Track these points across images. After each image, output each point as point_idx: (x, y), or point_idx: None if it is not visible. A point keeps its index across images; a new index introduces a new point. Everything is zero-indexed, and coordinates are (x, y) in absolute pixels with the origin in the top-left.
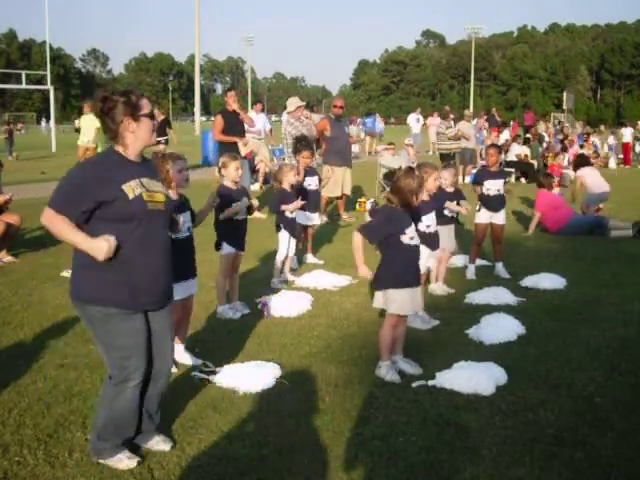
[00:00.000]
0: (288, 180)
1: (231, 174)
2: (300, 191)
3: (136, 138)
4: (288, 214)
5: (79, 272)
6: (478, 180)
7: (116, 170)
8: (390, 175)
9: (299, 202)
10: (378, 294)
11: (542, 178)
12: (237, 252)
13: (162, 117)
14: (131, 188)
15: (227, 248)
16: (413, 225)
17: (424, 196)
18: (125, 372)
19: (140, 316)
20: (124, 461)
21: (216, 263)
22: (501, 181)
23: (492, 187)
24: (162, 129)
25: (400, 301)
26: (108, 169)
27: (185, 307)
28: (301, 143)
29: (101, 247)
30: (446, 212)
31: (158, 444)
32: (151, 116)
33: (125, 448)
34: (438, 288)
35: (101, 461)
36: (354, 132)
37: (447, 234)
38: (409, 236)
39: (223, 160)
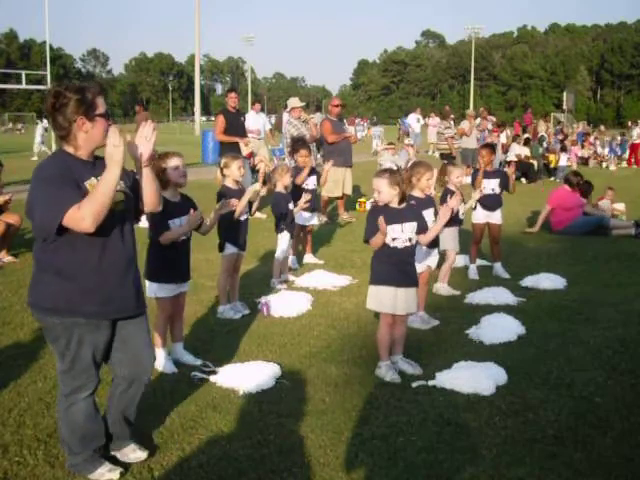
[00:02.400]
0: (283, 182)
1: (234, 173)
2: (298, 191)
3: (88, 138)
4: (279, 215)
5: (42, 279)
6: (474, 181)
7: (73, 169)
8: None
9: (306, 198)
10: (370, 289)
11: (571, 175)
12: (239, 252)
13: None
14: (92, 185)
15: (230, 248)
16: (398, 226)
17: (421, 194)
18: (77, 383)
19: (107, 325)
20: (105, 475)
21: (215, 263)
22: (496, 181)
23: (487, 187)
24: None
25: (376, 298)
26: (65, 167)
27: (175, 304)
28: (297, 143)
29: (111, 156)
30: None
31: (134, 452)
32: (106, 116)
33: (104, 461)
34: (442, 288)
35: (82, 476)
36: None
37: (452, 235)
38: (391, 237)
39: (225, 160)
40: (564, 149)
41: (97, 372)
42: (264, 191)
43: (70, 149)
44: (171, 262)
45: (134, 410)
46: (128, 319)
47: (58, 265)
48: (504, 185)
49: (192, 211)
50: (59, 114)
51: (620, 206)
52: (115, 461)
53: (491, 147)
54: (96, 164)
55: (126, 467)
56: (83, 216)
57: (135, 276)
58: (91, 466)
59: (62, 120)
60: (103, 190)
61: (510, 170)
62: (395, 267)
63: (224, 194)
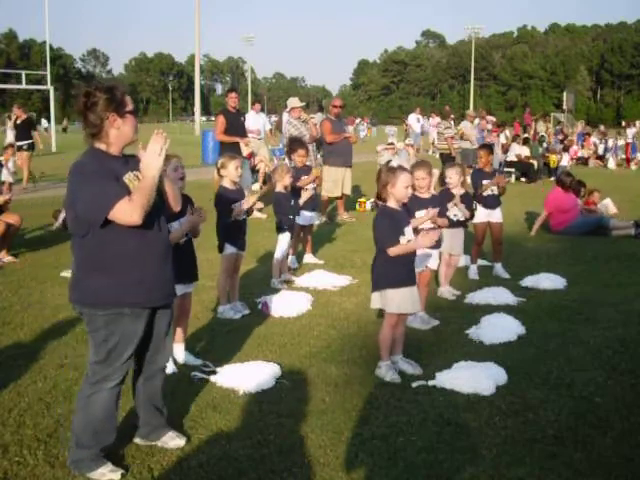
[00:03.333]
0: (284, 182)
1: (231, 173)
2: (298, 192)
3: (120, 135)
4: (290, 216)
5: (84, 276)
6: (475, 182)
7: (109, 165)
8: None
9: (311, 177)
10: (375, 295)
11: (563, 176)
12: (238, 252)
13: (24, 117)
14: (130, 180)
15: (229, 249)
16: (410, 226)
17: (425, 194)
18: (108, 370)
19: (147, 313)
20: (106, 475)
21: (215, 263)
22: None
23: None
24: (25, 132)
25: (399, 300)
26: (103, 163)
27: (181, 306)
28: (294, 142)
29: (148, 165)
30: (450, 215)
31: (173, 440)
32: (135, 113)
33: (107, 461)
34: (446, 291)
35: (81, 475)
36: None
37: (457, 238)
38: (407, 238)
39: (222, 160)
40: (566, 149)
41: (128, 366)
42: (261, 190)
43: (102, 146)
44: (176, 263)
45: (161, 398)
46: (164, 309)
47: (100, 260)
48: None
49: (189, 208)
50: (91, 112)
51: (608, 203)
52: (116, 462)
53: (489, 147)
54: (128, 160)
55: (127, 469)
56: (134, 206)
57: (170, 264)
58: (93, 464)
59: (94, 118)
60: (147, 184)
61: (502, 179)
62: (407, 268)
63: (222, 195)
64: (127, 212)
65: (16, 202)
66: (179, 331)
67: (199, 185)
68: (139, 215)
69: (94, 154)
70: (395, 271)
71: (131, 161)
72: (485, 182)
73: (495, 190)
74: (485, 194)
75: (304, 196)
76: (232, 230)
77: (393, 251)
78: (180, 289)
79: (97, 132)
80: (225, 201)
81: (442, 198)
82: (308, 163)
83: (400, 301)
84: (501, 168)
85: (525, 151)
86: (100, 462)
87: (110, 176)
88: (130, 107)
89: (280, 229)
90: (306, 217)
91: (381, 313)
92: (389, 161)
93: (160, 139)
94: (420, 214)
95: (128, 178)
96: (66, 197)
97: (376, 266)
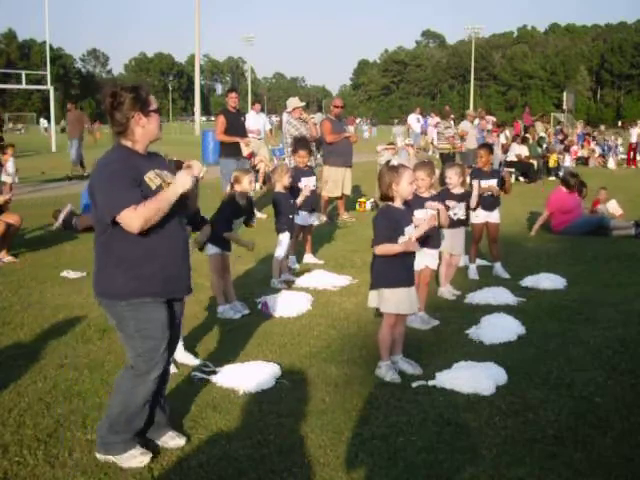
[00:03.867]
0: (283, 182)
1: (245, 188)
2: (297, 190)
3: (145, 132)
4: (289, 216)
5: (111, 270)
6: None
7: (134, 162)
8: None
9: (309, 185)
10: (372, 293)
11: (568, 176)
12: (222, 252)
13: None
14: (150, 179)
15: (212, 249)
16: (411, 226)
17: (425, 193)
18: (151, 363)
19: (166, 306)
20: (137, 457)
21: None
22: (494, 181)
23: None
24: None
25: (396, 301)
26: (128, 161)
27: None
28: (298, 143)
29: (183, 183)
30: (450, 214)
31: (173, 439)
32: (159, 111)
33: (137, 444)
34: (446, 291)
35: (110, 458)
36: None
37: (457, 237)
38: (406, 238)
39: (236, 175)
40: (567, 149)
41: (167, 354)
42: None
43: (128, 143)
44: None
45: (164, 395)
46: (179, 301)
47: (122, 254)
48: (500, 185)
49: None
50: (117, 112)
51: (612, 205)
52: (147, 444)
53: (489, 147)
54: (151, 158)
55: (156, 453)
56: (137, 217)
57: (188, 259)
58: (124, 447)
59: (120, 117)
60: (160, 205)
61: (507, 175)
62: (406, 268)
63: (230, 204)
64: (129, 219)
65: (16, 202)
66: None
67: (199, 185)
68: (138, 226)
69: (120, 151)
70: (393, 271)
71: (154, 159)
72: (483, 184)
73: (494, 190)
74: (484, 195)
75: (301, 196)
76: (215, 231)
77: (379, 249)
78: None
79: (123, 130)
80: (232, 211)
81: (442, 198)
82: (309, 164)
83: (397, 302)
84: (501, 168)
85: (524, 151)
86: (130, 445)
87: (130, 179)
88: (154, 106)
89: (280, 229)
90: (305, 217)
91: (379, 313)
92: (389, 161)
93: (198, 168)
94: (419, 213)
95: (149, 177)
96: (89, 192)
97: (374, 265)
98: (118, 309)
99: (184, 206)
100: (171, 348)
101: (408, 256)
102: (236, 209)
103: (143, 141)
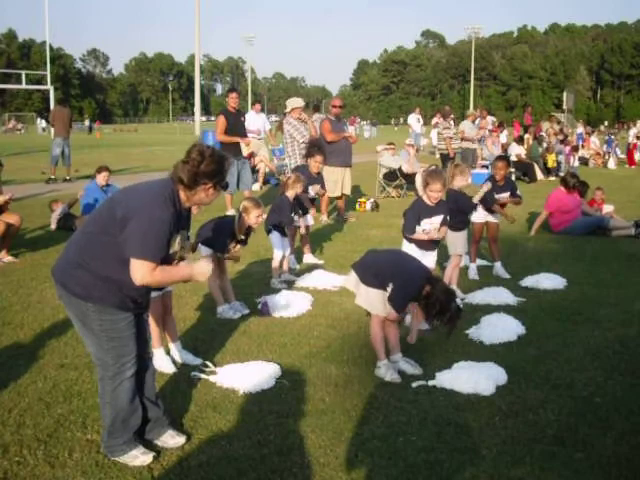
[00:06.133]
0: (294, 191)
1: (251, 221)
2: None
3: (203, 200)
4: (277, 217)
5: (81, 270)
6: (487, 195)
7: (175, 215)
8: (390, 175)
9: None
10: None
11: (568, 177)
12: (216, 253)
13: None
14: (176, 241)
15: (205, 250)
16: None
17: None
18: (121, 361)
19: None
20: (139, 457)
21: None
22: (506, 194)
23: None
24: None
25: (372, 299)
26: (174, 212)
27: (164, 303)
28: (313, 148)
29: (204, 272)
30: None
31: (173, 438)
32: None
33: (138, 444)
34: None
35: (116, 459)
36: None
37: (460, 237)
38: (422, 228)
39: (246, 205)
40: (576, 149)
41: (135, 351)
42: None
43: (182, 194)
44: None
45: (153, 390)
46: None
47: (102, 266)
48: (513, 193)
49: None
50: (196, 172)
51: (609, 208)
52: (148, 445)
53: (507, 160)
54: (188, 215)
55: (158, 452)
56: (149, 276)
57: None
58: (126, 448)
59: (194, 179)
60: (173, 280)
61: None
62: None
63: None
64: (140, 273)
65: (16, 202)
66: (169, 330)
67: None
68: (141, 283)
69: (173, 198)
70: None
71: (185, 218)
72: (499, 197)
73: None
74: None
75: (310, 190)
76: (211, 234)
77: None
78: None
79: (188, 187)
80: (231, 235)
81: (448, 203)
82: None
83: (373, 300)
84: (509, 175)
85: (523, 150)
86: (132, 445)
87: (170, 234)
88: (225, 181)
89: (267, 230)
90: (298, 220)
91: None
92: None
93: (208, 269)
94: (425, 222)
95: (175, 239)
96: (119, 201)
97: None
98: (82, 307)
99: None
100: (144, 345)
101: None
102: (234, 235)
103: (194, 203)
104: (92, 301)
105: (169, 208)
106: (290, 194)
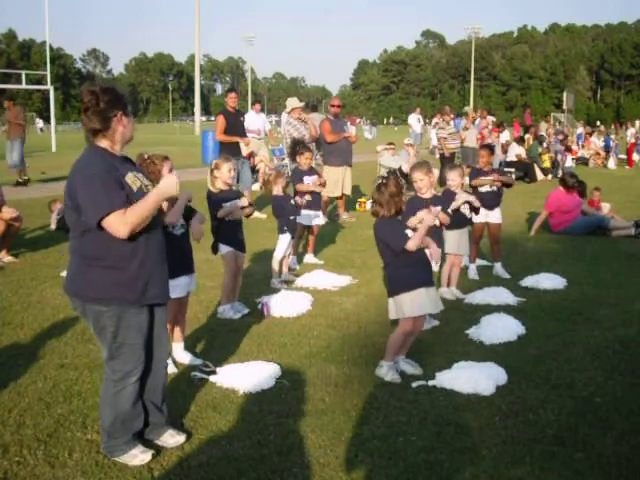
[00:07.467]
0: (278, 187)
1: (224, 175)
2: (297, 192)
3: (124, 132)
4: (290, 217)
5: (84, 269)
6: (471, 179)
7: (114, 164)
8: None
9: (317, 181)
10: (391, 302)
11: (567, 177)
12: (235, 252)
13: None
14: (131, 180)
15: (224, 248)
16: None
17: (428, 194)
18: (128, 367)
19: (146, 310)
20: (138, 456)
21: (215, 263)
22: (491, 179)
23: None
24: None
25: (415, 302)
26: (108, 162)
27: (181, 304)
28: (298, 145)
29: (171, 183)
30: (465, 211)
31: (173, 437)
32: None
33: (138, 443)
34: (448, 292)
35: (116, 459)
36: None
37: (462, 237)
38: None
39: (216, 161)
40: (569, 150)
41: (144, 358)
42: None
43: (105, 143)
44: (172, 255)
45: (161, 396)
46: (160, 305)
47: (102, 256)
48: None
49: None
50: (98, 110)
51: (605, 207)
52: (147, 443)
53: (490, 148)
54: (125, 160)
55: (158, 450)
56: (124, 222)
57: (165, 263)
58: (126, 447)
59: (100, 117)
60: (149, 208)
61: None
62: (424, 266)
63: (213, 195)
64: (117, 225)
65: (16, 202)
66: (177, 330)
67: (200, 185)
68: (126, 232)
69: (98, 152)
70: (411, 271)
71: (128, 161)
72: (482, 178)
73: (493, 187)
74: (484, 190)
75: (310, 187)
76: (225, 230)
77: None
78: (180, 290)
79: (104, 129)
80: (215, 200)
81: (444, 199)
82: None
83: (422, 301)
84: (501, 168)
85: (523, 151)
86: (131, 445)
87: (113, 180)
88: (129, 107)
89: (280, 230)
90: (310, 217)
91: (394, 321)
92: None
93: (172, 179)
94: (421, 214)
95: (129, 178)
96: (66, 194)
97: (388, 272)
98: (96, 313)
99: (158, 216)
100: (158, 351)
101: (422, 254)
102: (223, 198)
103: (121, 141)
104: (106, 303)
105: (100, 162)
106: (277, 190)
